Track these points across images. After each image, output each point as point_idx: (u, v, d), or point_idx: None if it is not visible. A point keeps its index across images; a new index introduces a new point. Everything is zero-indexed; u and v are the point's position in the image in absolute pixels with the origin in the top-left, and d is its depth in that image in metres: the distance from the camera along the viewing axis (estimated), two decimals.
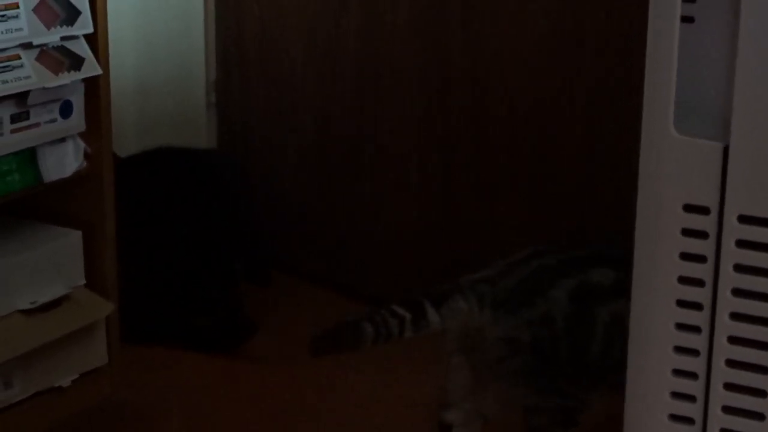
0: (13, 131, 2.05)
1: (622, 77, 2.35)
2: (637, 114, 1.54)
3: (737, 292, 1.48)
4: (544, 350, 1.97)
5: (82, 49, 2.13)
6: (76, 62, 2.11)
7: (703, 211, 1.48)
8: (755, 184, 1.45)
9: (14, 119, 2.05)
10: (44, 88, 2.06)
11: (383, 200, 2.80)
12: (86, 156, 2.19)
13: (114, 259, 2.27)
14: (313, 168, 2.92)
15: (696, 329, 1.52)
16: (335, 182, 2.88)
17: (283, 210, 2.99)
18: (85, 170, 2.20)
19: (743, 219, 1.46)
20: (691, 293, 1.51)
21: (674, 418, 1.55)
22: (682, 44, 1.46)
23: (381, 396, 2.45)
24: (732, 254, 1.48)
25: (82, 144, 2.18)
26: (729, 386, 1.51)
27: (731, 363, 1.50)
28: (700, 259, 1.50)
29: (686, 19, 1.47)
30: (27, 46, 2.05)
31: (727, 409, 1.52)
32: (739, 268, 1.48)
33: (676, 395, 1.55)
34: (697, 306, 1.51)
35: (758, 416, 1.50)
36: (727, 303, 1.49)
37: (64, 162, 2.15)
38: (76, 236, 2.24)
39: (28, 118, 2.07)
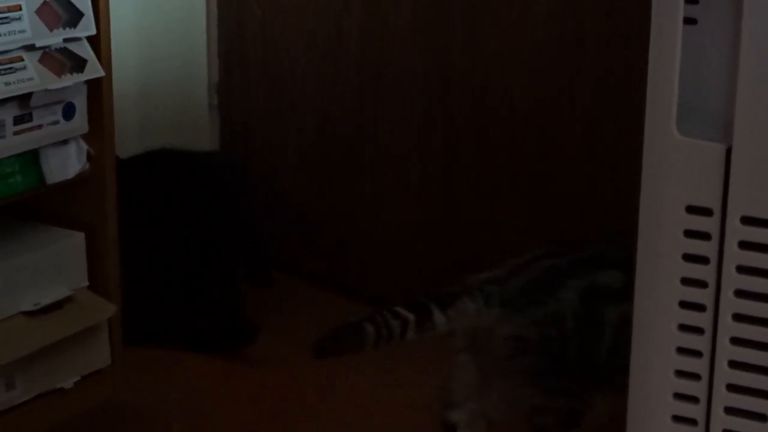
0: (15, 133, 2.05)
1: (622, 77, 2.35)
2: (637, 114, 1.54)
3: (740, 294, 1.49)
4: (553, 350, 1.97)
5: (85, 51, 2.12)
6: (79, 64, 2.11)
7: (706, 212, 1.49)
8: (758, 186, 1.45)
9: (17, 121, 2.05)
10: (47, 90, 2.06)
11: (383, 200, 2.79)
12: (89, 158, 2.19)
13: (116, 261, 2.27)
14: (313, 168, 2.92)
15: (699, 330, 1.52)
16: (335, 182, 2.88)
17: (284, 210, 2.99)
18: (88, 172, 2.20)
19: (746, 220, 1.47)
20: (694, 294, 1.51)
21: (677, 419, 1.56)
22: (685, 46, 1.46)
23: (381, 396, 2.45)
24: (735, 256, 1.48)
25: (84, 146, 2.18)
26: (732, 387, 1.52)
27: (734, 364, 1.51)
28: (703, 260, 1.50)
29: (689, 21, 1.47)
30: (30, 48, 2.04)
31: (730, 410, 1.52)
32: (742, 269, 1.48)
33: (678, 396, 1.55)
34: (699, 307, 1.51)
35: (761, 417, 1.50)
36: (730, 304, 1.49)
37: (66, 164, 2.15)
38: (78, 238, 2.23)
39: (30, 120, 2.07)
